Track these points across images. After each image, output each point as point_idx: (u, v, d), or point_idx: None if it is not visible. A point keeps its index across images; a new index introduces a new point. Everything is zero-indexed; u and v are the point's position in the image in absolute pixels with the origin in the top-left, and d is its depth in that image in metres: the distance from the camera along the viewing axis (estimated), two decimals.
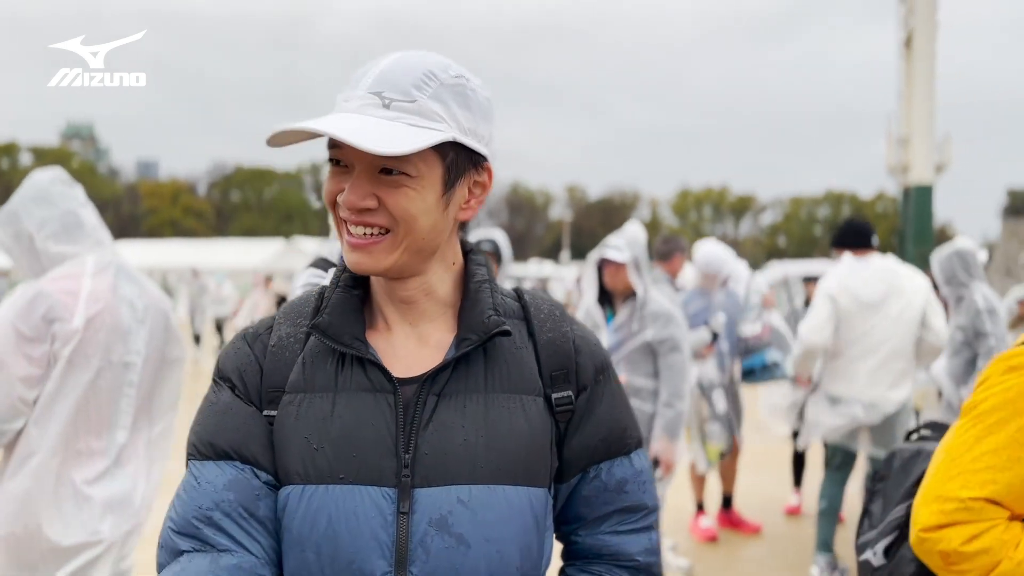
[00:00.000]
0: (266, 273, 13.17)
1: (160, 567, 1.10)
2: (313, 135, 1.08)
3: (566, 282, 28.99)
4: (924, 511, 1.45)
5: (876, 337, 4.43)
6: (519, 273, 34.92)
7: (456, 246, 1.22)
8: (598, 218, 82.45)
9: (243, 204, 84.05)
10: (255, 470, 1.12)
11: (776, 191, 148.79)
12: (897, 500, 1.75)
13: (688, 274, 6.50)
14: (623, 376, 3.92)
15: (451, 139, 1.09)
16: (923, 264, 8.32)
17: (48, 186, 2.45)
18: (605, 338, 3.97)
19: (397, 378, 1.13)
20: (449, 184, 1.12)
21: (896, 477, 1.81)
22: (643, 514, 1.24)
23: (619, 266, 3.99)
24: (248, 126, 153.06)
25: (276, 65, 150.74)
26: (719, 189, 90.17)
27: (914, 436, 1.90)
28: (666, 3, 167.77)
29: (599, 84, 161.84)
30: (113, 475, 2.44)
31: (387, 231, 1.10)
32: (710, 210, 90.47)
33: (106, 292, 2.42)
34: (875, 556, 1.69)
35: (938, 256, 4.49)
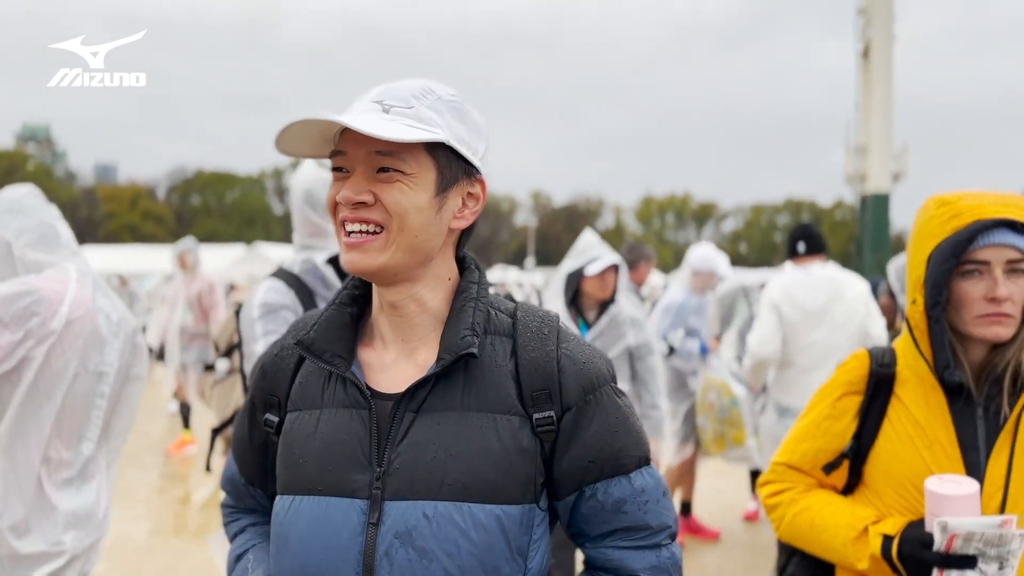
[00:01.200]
0: (168, 275, 12.45)
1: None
2: (319, 153, 1.20)
3: (525, 287, 28.98)
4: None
5: (825, 346, 4.43)
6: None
7: (451, 261, 1.27)
8: (563, 224, 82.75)
9: (204, 208, 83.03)
10: (241, 473, 1.38)
11: (737, 198, 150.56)
12: None
13: (653, 280, 6.62)
14: None
15: (444, 140, 1.16)
16: (881, 271, 8.49)
17: (22, 199, 2.47)
18: None
19: (380, 393, 1.19)
20: (442, 188, 1.18)
21: None
22: (646, 533, 1.23)
23: (612, 271, 3.99)
24: (209, 129, 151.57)
25: (238, 68, 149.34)
26: (682, 196, 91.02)
27: None
28: (628, 11, 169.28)
29: (563, 90, 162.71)
30: (78, 487, 2.43)
31: (381, 229, 1.15)
32: (673, 217, 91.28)
33: (87, 300, 2.43)
34: None
35: (895, 265, 4.56)
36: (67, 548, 2.36)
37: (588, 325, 4.00)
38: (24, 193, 2.49)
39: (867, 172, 22.97)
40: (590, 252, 3.98)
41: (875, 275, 6.63)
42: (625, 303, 4.10)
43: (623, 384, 4.00)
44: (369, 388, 1.20)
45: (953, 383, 1.61)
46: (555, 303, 4.03)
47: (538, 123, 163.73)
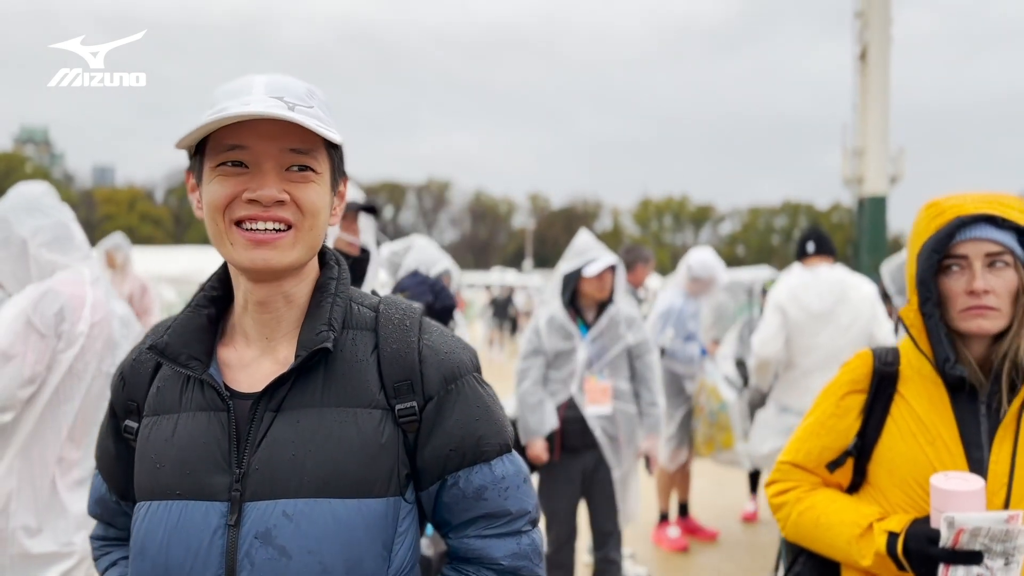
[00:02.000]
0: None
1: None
2: (190, 143, 1.16)
3: (529, 288, 28.99)
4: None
5: (829, 349, 4.42)
6: (482, 281, 34.80)
7: (315, 257, 1.27)
8: (561, 227, 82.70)
9: None
10: (109, 489, 1.34)
11: (734, 201, 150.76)
12: None
13: (651, 283, 6.63)
14: (608, 381, 3.94)
15: (340, 141, 1.18)
16: (878, 274, 8.46)
17: (40, 197, 2.46)
18: (582, 348, 3.96)
19: (240, 393, 1.18)
20: (334, 186, 1.21)
21: None
22: (507, 520, 1.23)
23: (610, 272, 3.98)
24: None
25: (235, 70, 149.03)
26: (679, 199, 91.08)
27: None
28: (624, 15, 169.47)
29: (560, 93, 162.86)
30: (88, 488, 2.42)
31: (288, 227, 1.14)
32: (670, 219, 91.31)
33: (103, 303, 2.43)
34: None
35: (888, 267, 4.53)
36: (77, 549, 2.36)
37: (587, 325, 4.01)
38: (41, 191, 2.48)
39: (864, 175, 23.02)
40: (588, 253, 3.97)
41: (875, 277, 6.62)
42: (623, 303, 4.11)
43: (625, 382, 4.02)
44: (228, 389, 1.19)
45: (954, 377, 1.62)
46: (553, 303, 4.04)
47: (535, 126, 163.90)
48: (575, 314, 4.01)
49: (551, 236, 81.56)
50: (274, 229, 1.13)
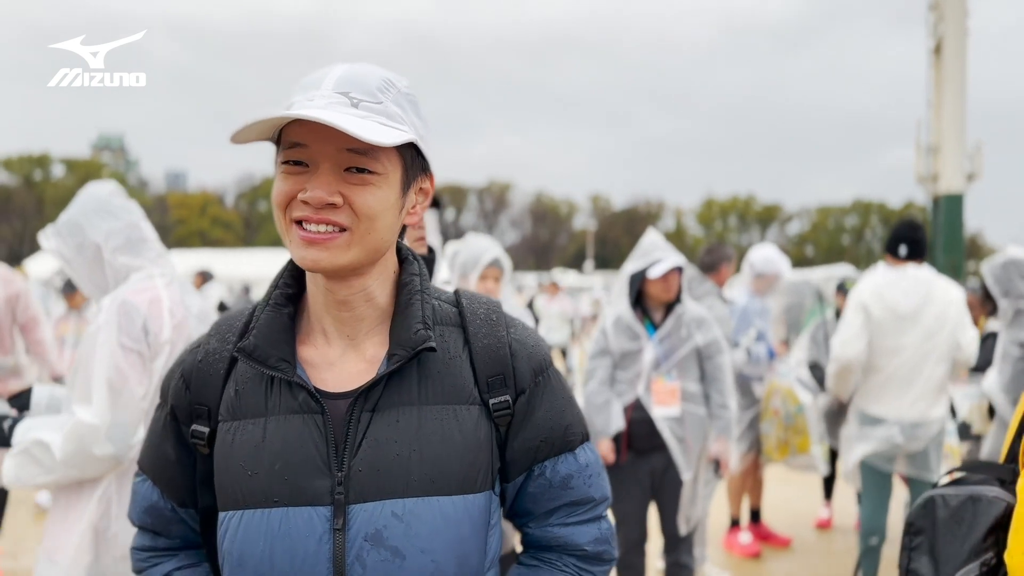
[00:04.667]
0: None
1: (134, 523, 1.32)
2: (264, 138, 1.12)
3: (595, 291, 28.80)
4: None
5: (915, 353, 4.20)
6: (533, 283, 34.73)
7: (394, 254, 1.24)
8: (622, 228, 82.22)
9: (270, 215, 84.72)
10: (164, 496, 1.27)
11: (803, 200, 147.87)
12: (964, 558, 1.53)
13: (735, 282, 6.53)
14: (676, 383, 3.89)
15: (414, 140, 1.12)
16: (953, 274, 8.20)
17: (109, 198, 2.47)
18: (649, 349, 3.91)
19: (331, 393, 1.16)
20: (406, 186, 1.16)
21: (949, 529, 1.58)
22: (590, 506, 1.27)
23: (676, 273, 3.93)
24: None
25: (300, 76, 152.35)
26: (745, 198, 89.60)
27: (947, 477, 1.69)
28: (687, 13, 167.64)
29: (621, 93, 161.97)
30: None
31: (344, 229, 1.10)
32: (736, 220, 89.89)
33: (180, 304, 2.44)
34: None
35: (991, 266, 4.22)
36: None
37: (655, 326, 3.95)
38: (109, 191, 2.49)
39: (939, 172, 22.29)
40: (653, 253, 3.91)
41: (951, 277, 6.35)
42: (690, 303, 4.03)
43: (694, 384, 3.95)
44: (318, 390, 1.16)
45: None
46: (619, 303, 3.99)
47: (596, 126, 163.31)
48: (642, 314, 3.95)
49: (612, 237, 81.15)
50: (327, 230, 1.09)
